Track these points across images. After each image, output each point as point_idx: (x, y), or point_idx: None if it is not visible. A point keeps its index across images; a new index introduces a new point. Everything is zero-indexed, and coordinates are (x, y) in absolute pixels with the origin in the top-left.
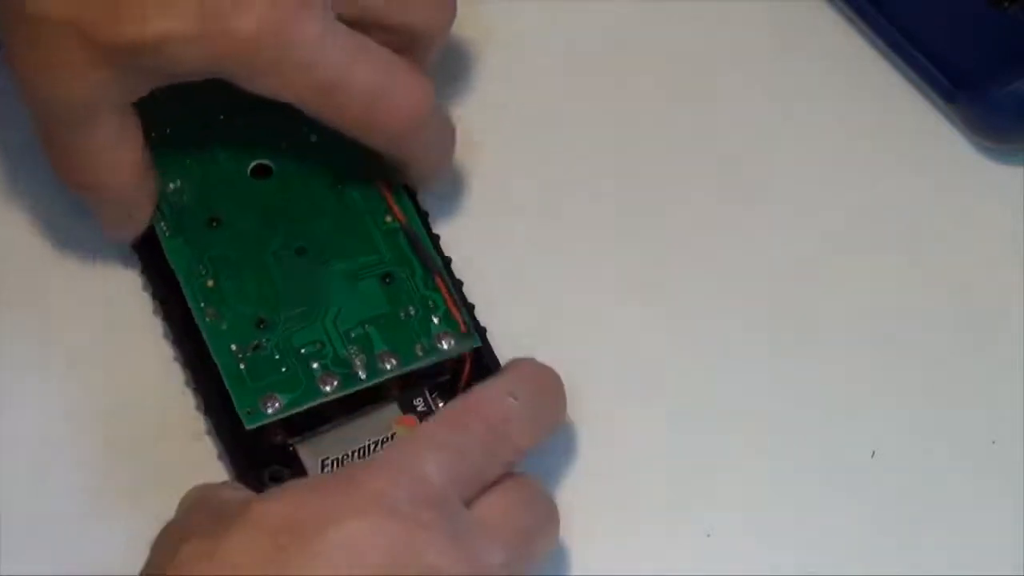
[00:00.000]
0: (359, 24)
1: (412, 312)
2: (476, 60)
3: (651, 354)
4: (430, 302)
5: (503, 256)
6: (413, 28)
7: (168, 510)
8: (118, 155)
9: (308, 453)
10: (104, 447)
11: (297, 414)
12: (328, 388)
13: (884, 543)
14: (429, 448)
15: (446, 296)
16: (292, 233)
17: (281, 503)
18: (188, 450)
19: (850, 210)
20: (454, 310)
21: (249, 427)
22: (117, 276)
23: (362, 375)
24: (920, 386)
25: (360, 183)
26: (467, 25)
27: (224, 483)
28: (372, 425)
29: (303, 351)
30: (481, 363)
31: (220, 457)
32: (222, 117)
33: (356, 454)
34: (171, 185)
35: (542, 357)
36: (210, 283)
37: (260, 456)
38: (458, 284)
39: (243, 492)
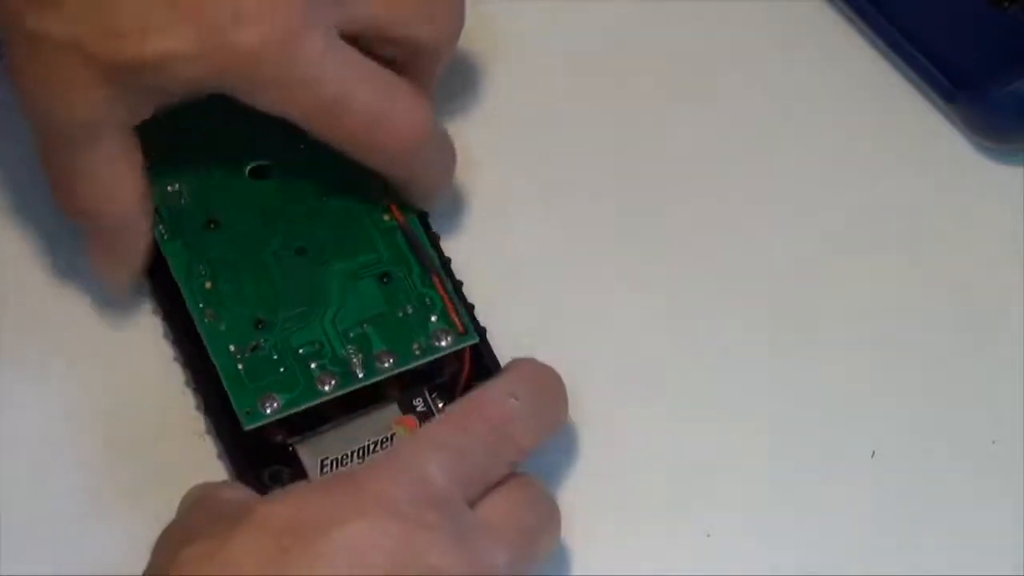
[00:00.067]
0: (363, 38)
1: (410, 311)
2: (476, 60)
3: (651, 354)
4: (428, 301)
5: (503, 256)
6: (418, 42)
7: (168, 510)
8: (117, 179)
9: (308, 453)
10: (104, 447)
11: (297, 414)
12: (326, 388)
13: (884, 543)
14: (432, 449)
15: (443, 295)
16: (290, 233)
17: (284, 505)
18: (188, 450)
19: (850, 210)
20: (451, 308)
21: (248, 427)
22: None
23: (360, 374)
24: (920, 386)
25: (358, 182)
26: (467, 25)
27: (224, 482)
28: (372, 425)
29: (301, 351)
30: (481, 363)
31: (220, 457)
32: (220, 119)
33: (356, 454)
34: (169, 187)
35: (542, 357)
36: (208, 284)
37: (260, 456)
38: (458, 284)
39: (244, 492)
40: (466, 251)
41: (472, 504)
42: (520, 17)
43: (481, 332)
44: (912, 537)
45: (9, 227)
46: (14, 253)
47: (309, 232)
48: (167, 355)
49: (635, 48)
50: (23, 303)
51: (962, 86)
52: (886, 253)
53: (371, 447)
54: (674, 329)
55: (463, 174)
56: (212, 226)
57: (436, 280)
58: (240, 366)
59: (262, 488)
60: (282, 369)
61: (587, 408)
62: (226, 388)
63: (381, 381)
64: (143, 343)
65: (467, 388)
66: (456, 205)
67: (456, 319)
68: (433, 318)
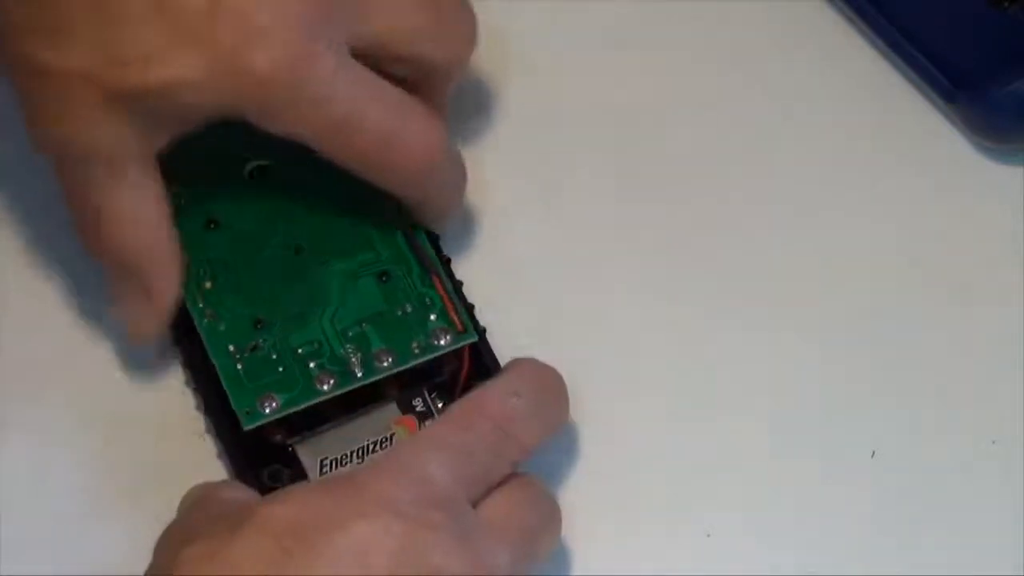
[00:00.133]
0: (373, 57)
1: (409, 310)
2: (475, 60)
3: (651, 354)
4: (427, 300)
5: (503, 256)
6: (429, 61)
7: (168, 510)
8: (140, 213)
9: (307, 453)
10: (104, 447)
11: (296, 414)
12: (325, 387)
13: (884, 543)
14: (434, 449)
15: (443, 294)
16: (289, 233)
17: (285, 506)
18: (188, 450)
19: (850, 210)
20: (450, 307)
21: (247, 427)
22: None
23: (359, 373)
24: (920, 386)
25: (357, 181)
26: None
27: (224, 482)
28: (371, 425)
29: (300, 351)
30: (480, 362)
31: (220, 456)
32: (220, 119)
33: (355, 454)
34: (169, 188)
35: (542, 357)
36: (208, 285)
37: (259, 456)
38: (458, 284)
39: (244, 491)
40: (466, 251)
41: (474, 504)
42: (520, 17)
43: (481, 331)
44: (912, 537)
45: (7, 228)
46: (13, 253)
47: (308, 232)
48: (167, 355)
49: (635, 48)
50: (24, 305)
51: (962, 86)
52: (886, 253)
53: (370, 447)
54: (674, 329)
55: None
56: (212, 226)
57: (435, 279)
58: (239, 366)
59: (262, 488)
60: (281, 369)
61: (587, 408)
62: (225, 388)
63: (380, 380)
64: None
65: (466, 388)
66: None
67: (455, 318)
68: (432, 317)
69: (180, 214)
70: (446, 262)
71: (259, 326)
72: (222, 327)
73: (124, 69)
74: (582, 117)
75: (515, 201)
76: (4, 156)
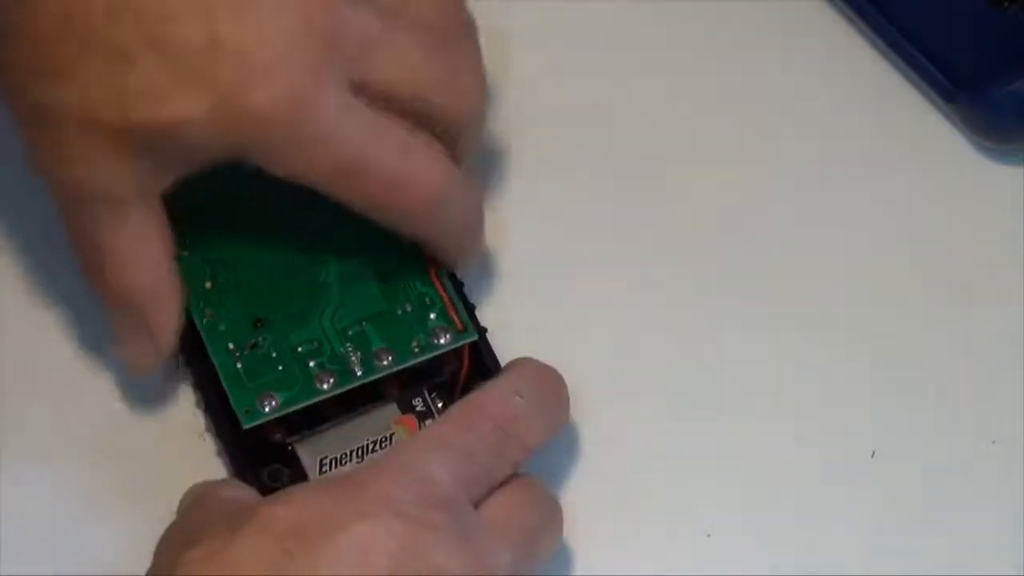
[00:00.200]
0: (380, 104)
1: (409, 309)
2: None
3: (651, 354)
4: (427, 299)
5: (503, 256)
6: (440, 113)
7: (168, 510)
8: (144, 253)
9: (307, 452)
10: (104, 447)
11: (296, 413)
12: (324, 386)
13: (884, 543)
14: (435, 449)
15: (443, 294)
16: (289, 233)
17: (286, 507)
18: (188, 449)
19: (850, 210)
20: (450, 306)
21: (246, 426)
22: None
23: (358, 372)
24: (920, 386)
25: None
26: None
27: (224, 480)
28: (371, 424)
29: (300, 349)
30: (480, 362)
31: (219, 455)
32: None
33: (355, 453)
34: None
35: (542, 357)
36: (208, 284)
37: (259, 455)
38: (459, 284)
39: (244, 491)
40: None
41: (475, 504)
42: (520, 17)
43: (481, 331)
44: (912, 537)
45: (9, 226)
46: (14, 253)
47: (308, 231)
48: (173, 379)
49: (635, 48)
50: (23, 304)
51: (962, 86)
52: (886, 253)
53: (370, 446)
54: (674, 329)
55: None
56: (211, 226)
57: (435, 278)
58: (239, 365)
59: (261, 486)
60: (281, 368)
61: (587, 408)
62: (225, 387)
63: (380, 380)
64: None
65: (466, 387)
66: None
67: (455, 317)
68: (432, 316)
69: (181, 215)
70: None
71: (259, 325)
72: (222, 326)
73: (125, 109)
74: (582, 117)
75: (515, 201)
76: (3, 180)
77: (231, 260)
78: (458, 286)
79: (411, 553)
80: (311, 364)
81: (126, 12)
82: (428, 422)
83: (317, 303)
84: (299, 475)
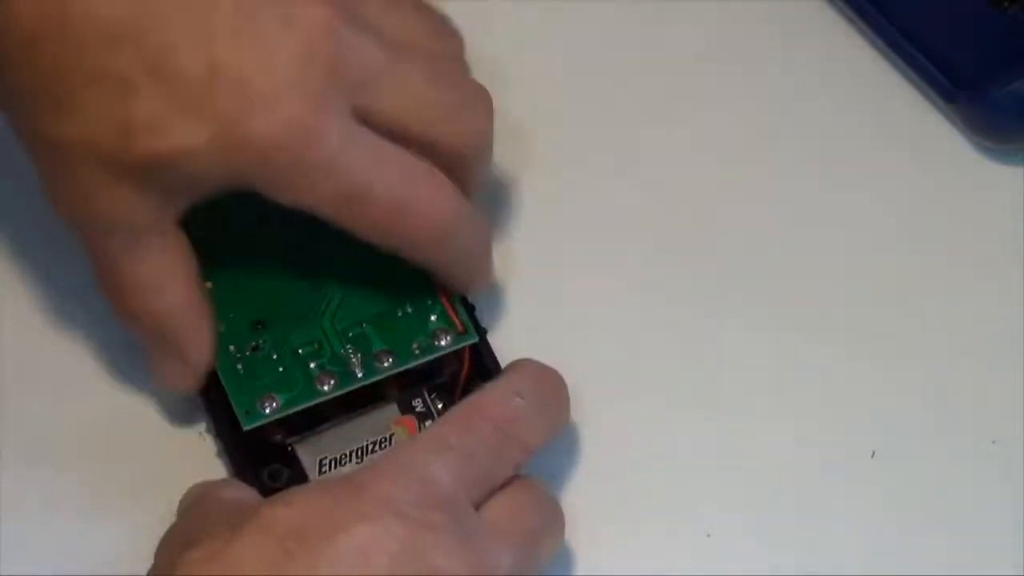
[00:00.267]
0: (384, 134)
1: (409, 310)
2: (475, 60)
3: (651, 354)
4: (427, 300)
5: (504, 256)
6: (446, 144)
7: (168, 510)
8: (164, 279)
9: (307, 452)
10: (104, 447)
11: (296, 413)
12: (325, 388)
13: (884, 543)
14: (437, 450)
15: (443, 295)
16: (290, 234)
17: (287, 508)
18: (188, 450)
19: (850, 210)
20: (451, 308)
21: (246, 427)
22: None
23: (359, 374)
24: (920, 386)
25: None
26: (467, 24)
27: (224, 480)
28: (371, 425)
29: (301, 351)
30: (481, 363)
31: (220, 455)
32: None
33: (354, 454)
34: None
35: (542, 357)
36: (208, 285)
37: (259, 455)
38: None
39: (244, 491)
40: None
41: (476, 506)
42: (520, 17)
43: (482, 333)
44: (912, 537)
45: (9, 226)
46: (13, 254)
47: (308, 232)
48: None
49: (635, 48)
50: (23, 304)
51: (962, 86)
52: (886, 253)
53: (370, 447)
54: (674, 329)
55: None
56: (213, 228)
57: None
58: (239, 366)
59: (261, 487)
60: (281, 369)
61: (587, 408)
62: (225, 388)
63: (380, 381)
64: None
65: (467, 388)
66: None
67: (455, 319)
68: (433, 317)
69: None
70: None
71: (259, 326)
72: (222, 328)
73: (127, 140)
74: (582, 117)
75: (515, 202)
76: (3, 181)
77: (232, 262)
78: None
79: (411, 554)
80: (312, 365)
81: (126, 41)
82: (428, 423)
83: (318, 304)
84: (299, 475)
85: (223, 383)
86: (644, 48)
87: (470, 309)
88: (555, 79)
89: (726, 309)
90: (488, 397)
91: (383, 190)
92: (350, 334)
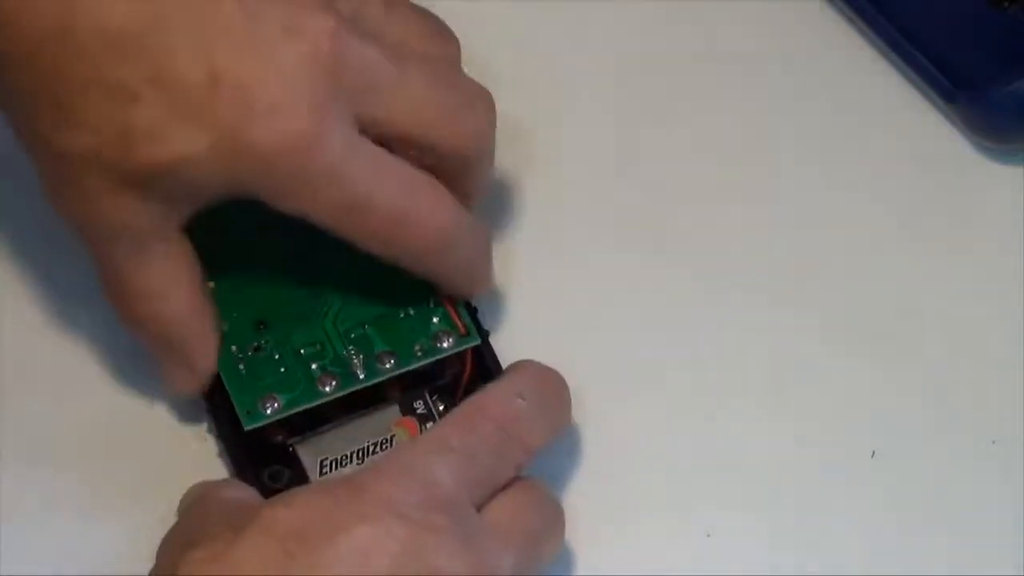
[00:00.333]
0: (385, 140)
1: (411, 312)
2: (475, 61)
3: (651, 354)
4: (430, 302)
5: (504, 257)
6: (447, 149)
7: (168, 510)
8: (169, 288)
9: (308, 453)
10: (104, 447)
11: (297, 414)
12: (327, 389)
13: (884, 543)
14: (439, 451)
15: (445, 296)
16: (292, 235)
17: (289, 509)
18: (188, 450)
19: (850, 210)
20: (453, 310)
21: (248, 427)
22: None
23: (361, 375)
24: (920, 386)
25: None
26: (467, 25)
27: (225, 481)
28: (372, 426)
29: (302, 352)
30: (483, 365)
31: (220, 456)
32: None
33: (355, 455)
34: None
35: (543, 359)
36: (211, 285)
37: (260, 456)
38: None
39: (245, 491)
40: None
41: (478, 507)
42: (520, 17)
43: (484, 335)
44: (912, 537)
45: (10, 226)
46: (13, 253)
47: (310, 233)
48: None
49: (635, 48)
50: (23, 305)
51: (962, 86)
52: (886, 253)
53: (371, 448)
54: (674, 329)
55: None
56: (214, 229)
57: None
58: (241, 367)
59: (262, 487)
60: (283, 369)
61: (587, 408)
62: (227, 388)
63: (382, 382)
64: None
65: (468, 390)
66: None
67: (458, 321)
68: (435, 319)
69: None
70: None
71: (261, 327)
72: (224, 328)
73: (128, 148)
74: (582, 117)
75: (515, 202)
76: (3, 182)
77: (234, 262)
78: None
79: (413, 556)
80: (313, 366)
81: (127, 48)
82: (429, 424)
83: (320, 305)
84: (300, 476)
85: (225, 383)
86: (644, 48)
87: (472, 311)
88: (555, 79)
89: (726, 309)
90: (490, 398)
91: (383, 200)
92: (352, 335)
